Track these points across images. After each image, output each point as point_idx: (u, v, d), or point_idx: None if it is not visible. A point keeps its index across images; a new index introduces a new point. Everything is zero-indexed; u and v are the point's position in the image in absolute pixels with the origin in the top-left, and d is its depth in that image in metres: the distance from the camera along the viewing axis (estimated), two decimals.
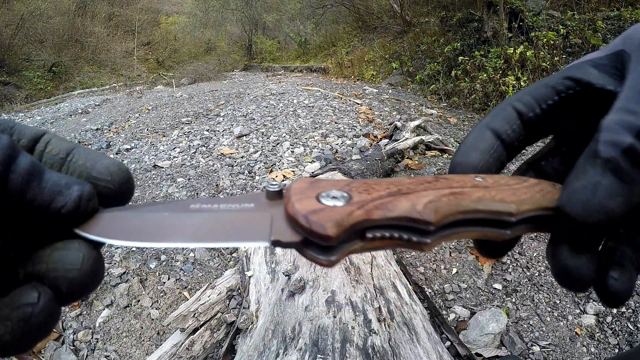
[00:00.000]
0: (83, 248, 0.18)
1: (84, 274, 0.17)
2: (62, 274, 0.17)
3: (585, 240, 0.20)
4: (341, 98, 4.34)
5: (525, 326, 1.31)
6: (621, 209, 0.18)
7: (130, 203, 0.22)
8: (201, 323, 1.15)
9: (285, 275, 1.15)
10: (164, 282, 1.58)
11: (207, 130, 3.36)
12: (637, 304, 1.34)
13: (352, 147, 2.74)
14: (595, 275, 0.21)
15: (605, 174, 0.18)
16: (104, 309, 1.48)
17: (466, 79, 4.61)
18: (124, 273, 1.62)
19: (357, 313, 0.97)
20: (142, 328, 1.41)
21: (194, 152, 2.85)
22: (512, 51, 4.15)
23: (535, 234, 1.74)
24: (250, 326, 1.07)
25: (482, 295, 1.44)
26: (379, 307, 1.01)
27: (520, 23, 4.54)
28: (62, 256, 0.17)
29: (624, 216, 0.18)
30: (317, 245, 0.19)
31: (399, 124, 2.77)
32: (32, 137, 0.21)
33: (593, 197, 0.18)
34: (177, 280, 1.59)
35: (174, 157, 2.79)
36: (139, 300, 1.51)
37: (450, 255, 1.62)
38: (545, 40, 4.00)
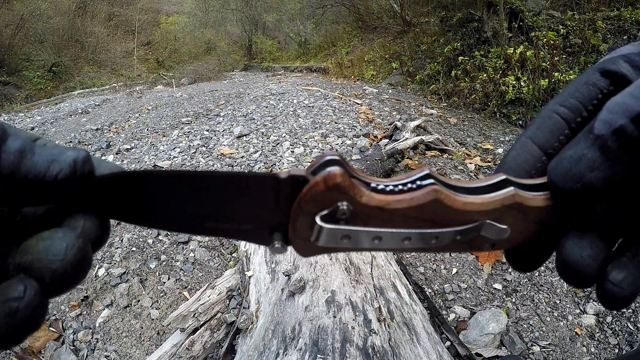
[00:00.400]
0: (67, 237, 0.18)
1: (67, 264, 0.17)
2: (46, 265, 0.17)
3: (580, 218, 0.20)
4: (341, 98, 4.34)
5: (525, 326, 1.31)
6: (599, 183, 0.18)
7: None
8: (201, 323, 1.15)
9: (285, 275, 1.15)
10: (164, 282, 1.58)
11: (207, 130, 3.36)
12: (637, 304, 1.34)
13: (352, 147, 2.74)
14: (599, 270, 0.21)
15: (592, 148, 0.19)
16: (104, 309, 1.48)
17: (466, 79, 4.61)
18: (124, 273, 1.62)
19: (357, 313, 0.97)
20: (142, 328, 1.41)
21: (194, 152, 2.85)
22: (512, 51, 4.15)
23: None
24: (250, 326, 1.07)
25: (482, 295, 1.44)
26: (379, 307, 1.01)
27: (520, 23, 4.54)
28: (46, 247, 0.17)
29: (602, 190, 0.19)
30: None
31: (399, 124, 2.77)
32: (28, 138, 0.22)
33: (575, 167, 0.19)
34: (177, 280, 1.59)
35: (174, 157, 2.79)
36: (139, 300, 1.51)
37: (450, 255, 1.62)
38: (545, 40, 4.00)
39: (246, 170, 2.46)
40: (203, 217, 0.21)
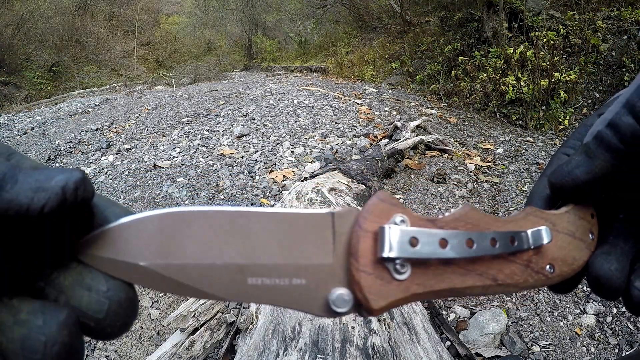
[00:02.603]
0: (49, 326, 0.14)
1: (111, 319, 0.16)
2: (88, 316, 0.15)
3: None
4: (341, 98, 4.34)
5: (525, 326, 1.31)
6: (583, 175, 0.23)
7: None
8: (201, 323, 1.15)
9: None
10: None
11: (207, 130, 3.36)
12: None
13: (352, 147, 2.74)
14: (625, 280, 0.23)
15: (580, 153, 0.24)
16: None
17: (466, 79, 4.61)
18: None
19: None
20: (142, 328, 1.41)
21: (194, 152, 2.85)
22: (512, 51, 4.15)
23: None
24: (250, 326, 1.07)
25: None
26: None
27: (520, 23, 4.54)
28: (22, 336, 0.14)
29: (588, 183, 0.23)
30: None
31: (399, 124, 2.77)
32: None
33: (565, 167, 0.24)
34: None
35: (174, 157, 2.79)
36: (139, 300, 1.51)
37: None
38: (545, 40, 4.00)
39: (246, 171, 2.46)
40: (244, 270, 0.18)
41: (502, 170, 2.49)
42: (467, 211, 0.22)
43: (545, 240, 0.23)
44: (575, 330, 1.29)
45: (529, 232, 0.22)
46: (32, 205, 0.14)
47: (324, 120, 3.41)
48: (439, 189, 2.16)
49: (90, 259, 0.17)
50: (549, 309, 1.37)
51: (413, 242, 0.19)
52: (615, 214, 0.26)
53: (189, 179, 2.35)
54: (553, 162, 0.29)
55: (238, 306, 1.24)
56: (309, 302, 0.19)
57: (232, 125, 3.45)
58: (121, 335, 0.17)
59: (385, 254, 0.19)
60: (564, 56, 3.99)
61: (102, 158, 2.98)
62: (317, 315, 0.19)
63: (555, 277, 0.23)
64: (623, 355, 1.21)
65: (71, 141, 3.50)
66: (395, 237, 0.19)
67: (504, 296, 1.43)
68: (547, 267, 0.23)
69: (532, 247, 0.22)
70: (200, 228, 0.18)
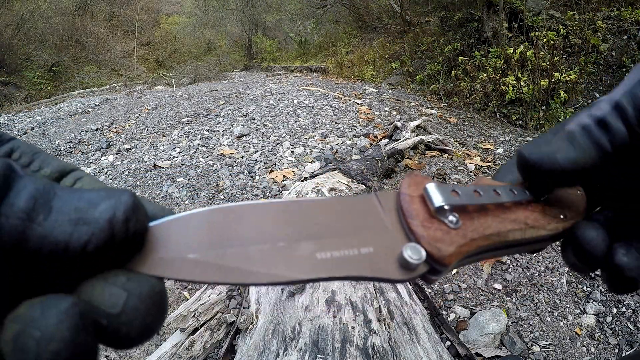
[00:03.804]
0: (129, 278, 0.13)
1: (128, 316, 0.13)
2: (100, 311, 0.12)
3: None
4: (341, 98, 4.34)
5: (525, 326, 1.31)
6: (565, 163, 0.22)
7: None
8: (201, 323, 1.15)
9: None
10: (164, 282, 1.58)
11: (207, 130, 3.36)
12: (637, 304, 1.34)
13: (352, 147, 2.74)
14: (606, 250, 0.24)
15: (562, 139, 0.23)
16: None
17: (466, 79, 4.61)
18: None
19: (357, 313, 0.97)
20: None
21: (194, 152, 2.85)
22: (512, 51, 4.15)
23: None
24: (250, 326, 1.07)
25: (482, 295, 1.44)
26: (379, 307, 1.01)
27: (520, 23, 4.54)
28: (95, 290, 0.12)
29: (568, 172, 0.22)
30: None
31: (399, 124, 2.77)
32: (58, 169, 0.16)
33: (544, 146, 0.23)
34: (177, 280, 1.59)
35: (174, 157, 2.79)
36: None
37: None
38: (545, 40, 4.00)
39: (246, 171, 2.46)
40: (311, 247, 0.19)
41: None
42: (480, 178, 0.26)
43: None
44: (575, 330, 1.29)
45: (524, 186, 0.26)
46: (71, 243, 0.12)
47: (324, 120, 3.41)
48: None
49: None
50: (549, 309, 1.37)
51: (454, 193, 0.22)
52: (594, 195, 0.27)
53: (189, 179, 2.35)
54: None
55: (238, 306, 1.24)
56: (382, 266, 0.19)
57: (232, 125, 3.45)
58: (142, 342, 0.13)
59: (437, 204, 0.21)
60: (564, 56, 3.99)
61: (102, 158, 2.98)
62: (392, 280, 0.19)
63: (569, 221, 0.25)
64: (623, 355, 1.21)
65: (71, 141, 3.50)
66: (440, 191, 0.22)
67: (504, 296, 1.43)
68: (561, 215, 0.25)
69: (529, 198, 0.25)
70: (253, 218, 0.18)
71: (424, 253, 0.20)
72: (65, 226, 0.12)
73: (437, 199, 0.21)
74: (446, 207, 0.21)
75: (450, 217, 0.21)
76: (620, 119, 0.21)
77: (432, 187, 0.22)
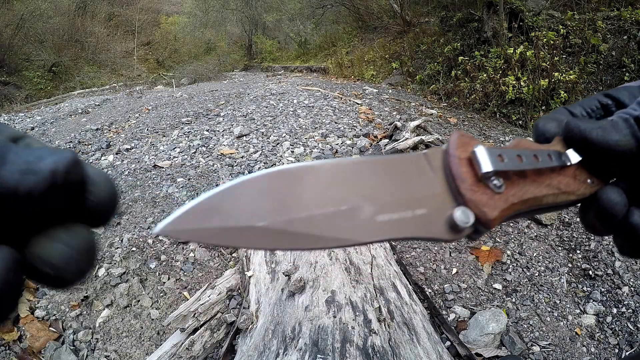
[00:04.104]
0: (70, 239, 0.16)
1: (67, 265, 0.16)
2: (50, 265, 0.16)
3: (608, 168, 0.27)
4: (341, 98, 4.34)
5: (525, 326, 1.31)
6: (614, 143, 0.26)
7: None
8: (201, 323, 1.15)
9: (285, 275, 1.15)
10: (164, 282, 1.58)
11: (207, 130, 3.36)
12: (637, 304, 1.34)
13: (352, 147, 2.74)
14: (625, 213, 0.26)
15: (608, 123, 0.27)
16: (104, 309, 1.48)
17: (466, 79, 4.61)
18: (124, 273, 1.62)
19: (357, 313, 0.97)
20: (142, 328, 1.41)
21: (194, 152, 2.85)
22: (512, 51, 4.15)
23: (536, 234, 1.74)
24: (250, 326, 1.07)
25: (482, 295, 1.44)
26: (379, 307, 1.01)
27: (520, 23, 4.54)
28: (39, 244, 0.15)
29: (618, 152, 0.26)
30: None
31: (399, 124, 2.77)
32: (12, 134, 0.18)
33: (611, 131, 0.26)
34: (177, 280, 1.59)
35: (174, 157, 2.79)
36: (139, 300, 1.51)
37: (450, 255, 1.62)
38: (545, 40, 4.00)
39: (246, 171, 2.46)
40: (372, 210, 0.19)
41: None
42: (519, 140, 0.27)
43: (574, 161, 0.27)
44: (575, 330, 1.29)
45: (561, 152, 0.27)
46: (19, 189, 0.14)
47: (324, 120, 3.41)
48: None
49: (187, 234, 0.17)
50: (549, 309, 1.37)
51: (499, 158, 0.23)
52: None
53: (189, 179, 2.35)
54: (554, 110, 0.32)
55: (238, 306, 1.24)
56: (434, 228, 0.21)
57: (232, 125, 3.45)
58: (77, 284, 0.17)
59: (485, 170, 0.22)
60: (564, 56, 3.99)
61: (102, 158, 2.98)
62: (443, 240, 0.21)
63: (594, 187, 0.27)
64: (623, 355, 1.21)
65: (71, 141, 3.50)
66: (487, 156, 0.23)
67: (504, 296, 1.43)
68: (588, 180, 0.27)
69: (568, 163, 0.27)
70: (310, 181, 0.19)
71: (472, 217, 0.21)
72: (16, 174, 0.14)
73: (486, 165, 0.22)
74: (492, 173, 0.22)
75: (495, 182, 0.22)
76: None
77: (481, 152, 0.23)
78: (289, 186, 0.18)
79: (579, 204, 0.29)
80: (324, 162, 0.20)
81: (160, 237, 1.82)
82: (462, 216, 0.21)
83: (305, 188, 0.19)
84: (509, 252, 1.63)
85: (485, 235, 1.74)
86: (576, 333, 1.28)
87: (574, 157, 0.27)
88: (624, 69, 3.59)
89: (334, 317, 0.95)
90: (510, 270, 1.54)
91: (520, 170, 0.24)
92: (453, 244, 1.68)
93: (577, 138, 0.28)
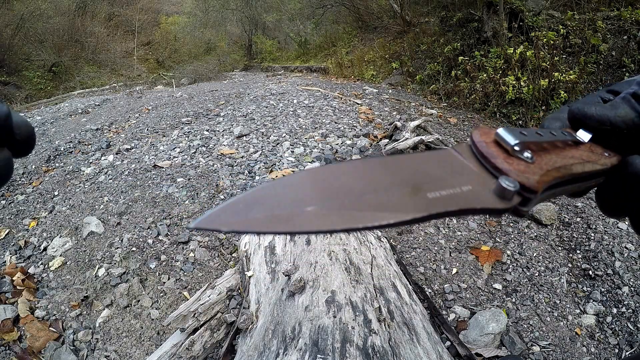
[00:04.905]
0: None
1: None
2: None
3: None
4: (341, 98, 4.34)
5: (525, 326, 1.31)
6: (614, 117, 0.29)
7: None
8: (201, 323, 1.15)
9: (285, 275, 1.15)
10: (164, 282, 1.58)
11: (207, 130, 3.36)
12: (637, 304, 1.34)
13: (352, 147, 2.74)
14: None
15: (606, 104, 0.30)
16: (104, 309, 1.48)
17: (466, 79, 4.61)
18: (124, 273, 1.62)
19: (357, 313, 0.97)
20: (142, 328, 1.41)
21: (194, 152, 2.85)
22: (512, 51, 4.15)
23: (536, 234, 1.74)
24: (250, 326, 1.07)
25: (482, 295, 1.44)
26: (379, 307, 1.01)
27: (520, 23, 4.54)
28: None
29: (615, 124, 0.28)
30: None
31: (399, 124, 2.77)
32: None
33: (594, 106, 0.30)
34: (177, 280, 1.59)
35: (174, 157, 2.79)
36: (139, 300, 1.51)
37: (450, 255, 1.62)
38: (545, 40, 4.00)
39: (246, 171, 2.46)
40: (421, 189, 0.21)
41: None
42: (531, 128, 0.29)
43: (586, 139, 0.29)
44: (575, 330, 1.29)
45: (572, 133, 0.30)
46: None
47: (324, 120, 3.41)
48: None
49: (232, 225, 0.17)
50: (549, 309, 1.37)
51: (521, 134, 0.25)
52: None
53: (189, 179, 2.35)
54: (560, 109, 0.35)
55: (238, 306, 1.24)
56: (485, 199, 0.22)
57: (232, 125, 3.45)
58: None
59: (512, 143, 0.24)
60: (564, 56, 3.99)
61: (102, 158, 2.98)
62: (497, 210, 0.22)
63: (613, 157, 0.29)
64: (623, 355, 1.21)
65: (71, 141, 3.50)
66: (510, 133, 0.25)
67: (504, 296, 1.43)
68: (605, 153, 0.29)
69: (577, 140, 0.29)
70: (353, 174, 0.20)
71: (516, 183, 0.22)
72: None
73: (512, 139, 0.24)
74: (519, 146, 0.24)
75: (526, 154, 0.24)
76: None
77: (503, 131, 0.25)
78: (332, 179, 0.19)
79: (596, 188, 0.30)
80: (358, 160, 0.21)
81: (160, 237, 1.82)
82: (507, 182, 0.22)
83: (349, 179, 0.20)
84: (509, 252, 1.63)
85: (485, 235, 1.74)
86: (576, 333, 1.28)
87: (585, 135, 0.29)
88: (624, 69, 3.59)
89: (334, 317, 0.95)
90: (510, 270, 1.54)
91: (543, 146, 0.26)
92: (453, 243, 1.68)
93: (579, 117, 0.30)
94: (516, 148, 0.24)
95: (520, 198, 0.22)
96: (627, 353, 1.22)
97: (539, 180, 0.23)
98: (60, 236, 1.90)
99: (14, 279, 1.62)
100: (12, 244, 1.90)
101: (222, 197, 2.15)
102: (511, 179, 0.22)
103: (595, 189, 0.30)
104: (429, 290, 1.45)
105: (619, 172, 0.29)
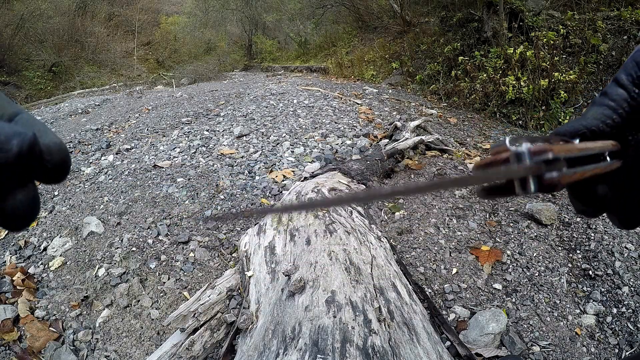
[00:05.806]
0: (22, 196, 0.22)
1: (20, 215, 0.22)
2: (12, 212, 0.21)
3: None
4: (341, 98, 4.34)
5: (525, 326, 1.31)
6: (580, 127, 0.29)
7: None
8: (201, 323, 1.15)
9: (285, 275, 1.15)
10: (164, 282, 1.58)
11: (207, 130, 3.36)
12: (637, 304, 1.34)
13: (352, 147, 2.74)
14: None
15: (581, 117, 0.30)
16: (104, 309, 1.48)
17: (466, 79, 4.61)
18: (124, 273, 1.62)
19: (357, 313, 0.97)
20: (142, 328, 1.41)
21: (194, 152, 2.85)
22: (512, 51, 4.15)
23: (536, 234, 1.74)
24: (250, 326, 1.07)
25: (482, 295, 1.44)
26: (379, 307, 1.01)
27: (520, 23, 4.54)
28: (13, 203, 0.21)
29: (586, 131, 0.29)
30: None
31: (399, 124, 2.77)
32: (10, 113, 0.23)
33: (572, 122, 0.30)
34: (177, 280, 1.59)
35: (174, 157, 2.79)
36: (139, 300, 1.51)
37: (450, 255, 1.62)
38: (545, 40, 4.00)
39: (246, 171, 2.46)
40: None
41: None
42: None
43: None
44: (575, 330, 1.29)
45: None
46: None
47: (324, 120, 3.41)
48: None
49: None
50: (549, 309, 1.37)
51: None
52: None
53: (189, 179, 2.35)
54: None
55: (238, 306, 1.24)
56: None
57: (232, 125, 3.45)
58: (27, 223, 0.23)
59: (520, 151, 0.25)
60: (564, 56, 3.99)
61: (102, 158, 2.98)
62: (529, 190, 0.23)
63: (609, 142, 0.30)
64: (623, 355, 1.21)
65: (71, 141, 3.50)
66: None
67: (504, 296, 1.43)
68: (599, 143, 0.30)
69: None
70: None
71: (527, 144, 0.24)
72: None
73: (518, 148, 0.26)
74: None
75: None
76: (616, 85, 0.29)
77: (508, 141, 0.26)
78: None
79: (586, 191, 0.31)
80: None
81: (160, 237, 1.82)
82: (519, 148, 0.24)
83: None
84: (509, 252, 1.63)
85: (485, 235, 1.74)
86: (576, 333, 1.28)
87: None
88: None
89: (334, 317, 0.95)
90: (510, 270, 1.54)
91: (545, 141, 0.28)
92: (453, 243, 1.68)
93: (560, 135, 0.31)
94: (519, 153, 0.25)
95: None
96: (627, 353, 1.22)
97: (548, 148, 0.24)
98: (60, 236, 1.90)
99: (14, 279, 1.62)
100: (12, 244, 1.91)
101: (222, 197, 2.15)
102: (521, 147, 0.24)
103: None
104: (429, 290, 1.45)
105: (623, 152, 0.30)
